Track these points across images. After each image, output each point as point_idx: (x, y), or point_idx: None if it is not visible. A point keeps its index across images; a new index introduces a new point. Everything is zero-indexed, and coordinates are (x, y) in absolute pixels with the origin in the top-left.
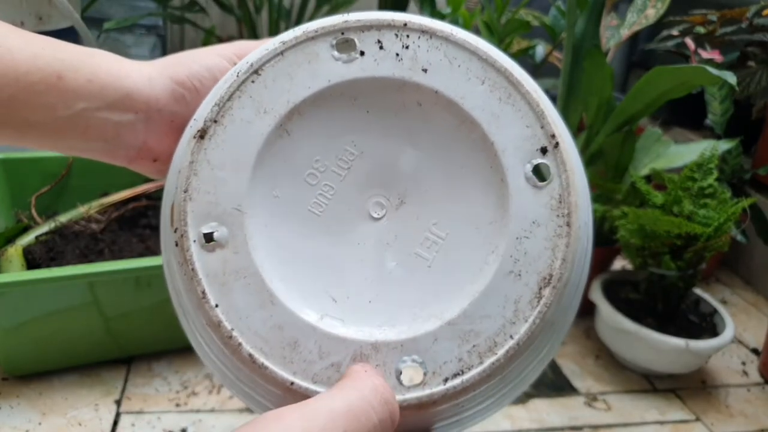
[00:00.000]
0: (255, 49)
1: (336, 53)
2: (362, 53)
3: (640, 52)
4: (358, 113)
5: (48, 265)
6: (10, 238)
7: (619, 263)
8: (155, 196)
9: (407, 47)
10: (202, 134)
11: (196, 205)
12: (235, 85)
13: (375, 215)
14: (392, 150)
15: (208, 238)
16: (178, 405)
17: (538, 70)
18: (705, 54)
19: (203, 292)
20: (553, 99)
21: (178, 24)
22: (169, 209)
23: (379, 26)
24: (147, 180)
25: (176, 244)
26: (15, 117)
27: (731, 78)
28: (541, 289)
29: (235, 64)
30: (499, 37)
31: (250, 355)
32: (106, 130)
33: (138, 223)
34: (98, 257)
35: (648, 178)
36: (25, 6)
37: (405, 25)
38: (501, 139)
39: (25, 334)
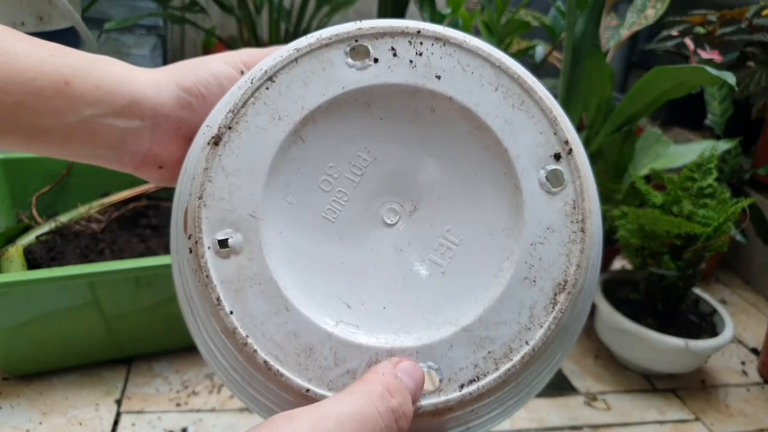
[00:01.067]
0: (261, 57)
1: (350, 60)
2: (376, 60)
3: (640, 52)
4: (372, 120)
5: (48, 265)
6: (11, 238)
7: (619, 263)
8: (156, 196)
9: (421, 54)
10: (216, 141)
11: (210, 211)
12: (250, 92)
13: (389, 221)
14: (405, 156)
15: (223, 244)
16: (178, 405)
17: (537, 70)
18: (704, 54)
19: (218, 299)
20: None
21: (178, 24)
22: (182, 216)
23: (393, 33)
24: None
25: (190, 251)
26: (22, 123)
27: (731, 78)
28: (556, 294)
29: (241, 71)
30: (499, 37)
31: (266, 362)
32: (112, 137)
33: (138, 223)
34: (99, 257)
35: (647, 178)
36: (25, 6)
37: (419, 32)
38: (514, 146)
39: (26, 334)
